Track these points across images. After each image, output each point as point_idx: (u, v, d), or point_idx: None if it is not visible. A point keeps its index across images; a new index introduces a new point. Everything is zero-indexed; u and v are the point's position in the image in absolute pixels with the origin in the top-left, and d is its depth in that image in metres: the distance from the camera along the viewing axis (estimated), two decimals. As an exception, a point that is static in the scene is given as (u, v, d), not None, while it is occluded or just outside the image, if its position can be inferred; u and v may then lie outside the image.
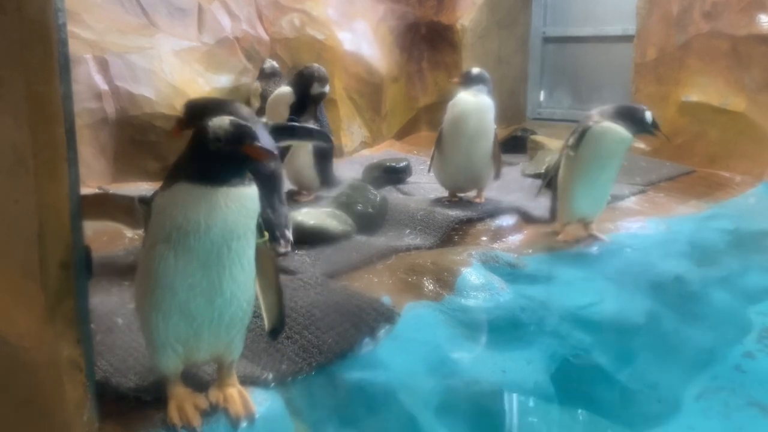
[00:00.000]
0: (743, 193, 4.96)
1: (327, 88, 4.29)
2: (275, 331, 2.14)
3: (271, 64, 5.77)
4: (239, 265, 1.81)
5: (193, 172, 1.75)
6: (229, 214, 1.75)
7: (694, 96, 5.63)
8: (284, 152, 4.25)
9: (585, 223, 3.75)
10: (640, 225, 4.11)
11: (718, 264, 3.58)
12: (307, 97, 4.23)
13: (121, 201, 1.86)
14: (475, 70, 4.14)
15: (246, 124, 1.82)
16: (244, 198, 1.79)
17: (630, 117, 3.52)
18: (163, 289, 1.77)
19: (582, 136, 3.50)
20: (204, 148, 1.76)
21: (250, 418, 1.91)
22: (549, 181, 3.84)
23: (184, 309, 1.78)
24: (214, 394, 1.94)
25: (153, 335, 1.82)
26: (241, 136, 1.77)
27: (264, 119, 5.05)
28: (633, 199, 4.67)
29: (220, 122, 1.78)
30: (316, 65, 4.34)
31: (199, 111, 3.54)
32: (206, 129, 1.78)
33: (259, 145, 1.76)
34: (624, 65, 6.50)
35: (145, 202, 1.82)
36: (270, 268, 2.04)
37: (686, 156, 5.52)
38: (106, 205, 1.90)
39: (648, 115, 3.54)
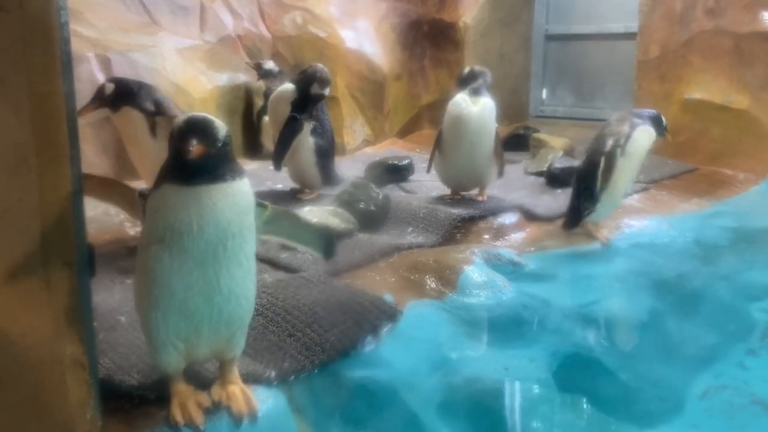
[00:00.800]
0: (746, 191, 4.96)
1: (327, 91, 4.27)
2: (329, 251, 2.19)
3: (270, 64, 5.76)
4: (236, 263, 1.79)
5: (176, 172, 1.73)
6: (220, 213, 1.72)
7: (697, 93, 5.62)
8: (285, 152, 4.25)
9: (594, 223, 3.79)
10: (643, 223, 4.10)
11: (720, 262, 3.58)
12: (308, 96, 4.23)
13: (125, 190, 1.87)
14: (475, 69, 4.12)
15: (196, 119, 1.73)
16: (233, 194, 1.75)
17: (654, 121, 3.78)
18: (160, 289, 1.75)
19: (627, 140, 3.62)
20: (170, 148, 1.75)
21: (253, 415, 1.91)
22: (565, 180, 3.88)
23: (182, 308, 1.77)
24: (216, 392, 1.94)
25: (153, 333, 1.81)
26: (184, 132, 1.68)
27: (266, 117, 5.07)
28: (635, 197, 4.66)
29: (180, 121, 1.73)
30: (320, 66, 4.31)
31: (120, 91, 3.52)
32: (172, 128, 1.73)
33: (191, 143, 1.65)
34: (627, 63, 6.49)
35: (144, 196, 1.81)
36: (291, 219, 2.07)
37: (689, 154, 5.51)
38: (112, 189, 1.91)
39: (664, 120, 3.85)
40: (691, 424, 2.11)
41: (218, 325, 1.84)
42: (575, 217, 3.78)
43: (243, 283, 1.83)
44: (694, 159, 5.49)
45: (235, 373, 1.99)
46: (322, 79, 4.22)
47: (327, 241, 2.19)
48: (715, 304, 3.06)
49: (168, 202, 1.71)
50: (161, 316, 1.78)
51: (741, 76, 5.40)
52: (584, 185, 3.71)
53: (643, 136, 3.68)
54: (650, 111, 3.88)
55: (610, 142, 3.62)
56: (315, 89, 4.20)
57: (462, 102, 4.05)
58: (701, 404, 2.22)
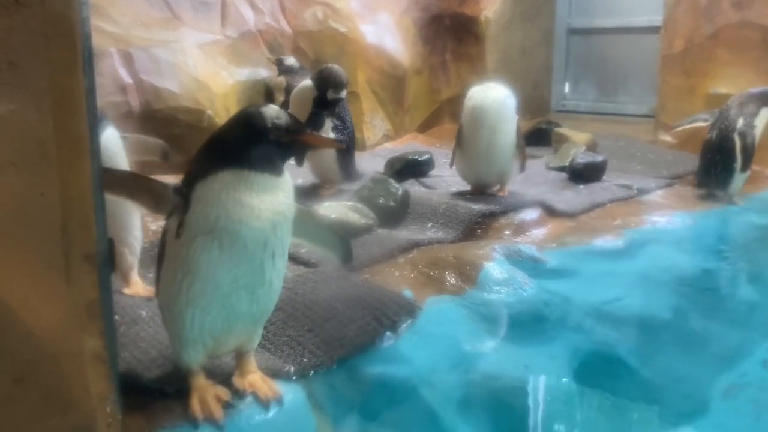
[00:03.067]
0: (772, 187, 4.87)
1: (343, 93, 4.30)
2: (347, 257, 2.21)
3: (291, 60, 5.76)
4: (280, 253, 1.83)
5: (243, 160, 1.74)
6: (276, 200, 1.77)
7: (722, 88, 5.52)
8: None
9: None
10: (667, 219, 4.05)
11: (745, 259, 3.53)
12: (325, 98, 4.25)
13: (151, 185, 1.81)
14: None
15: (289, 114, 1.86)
16: (288, 183, 1.83)
17: None
18: (204, 283, 1.75)
19: (755, 118, 4.34)
20: (259, 137, 1.76)
21: (279, 399, 1.94)
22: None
23: (225, 302, 1.79)
24: (238, 382, 1.96)
25: (185, 331, 1.81)
26: (301, 125, 1.83)
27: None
28: (659, 192, 4.61)
29: (276, 112, 1.80)
30: (335, 69, 4.31)
31: None
32: (262, 117, 1.78)
33: (321, 135, 1.84)
34: (650, 57, 6.41)
35: (180, 193, 1.79)
36: (313, 219, 2.12)
37: (714, 149, 5.41)
38: (136, 185, 1.85)
39: None
40: (716, 424, 2.08)
41: (251, 318, 1.87)
42: (709, 182, 4.49)
43: (280, 275, 1.88)
44: (719, 154, 5.39)
45: (253, 363, 2.01)
46: (336, 83, 4.23)
47: (346, 245, 2.19)
48: (739, 301, 3.02)
49: (230, 188, 1.72)
50: (199, 312, 1.78)
51: (768, 70, 5.31)
52: (719, 158, 4.37)
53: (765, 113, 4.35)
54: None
55: (740, 122, 4.23)
56: (330, 94, 4.23)
57: (478, 92, 4.04)
58: (725, 403, 2.18)
